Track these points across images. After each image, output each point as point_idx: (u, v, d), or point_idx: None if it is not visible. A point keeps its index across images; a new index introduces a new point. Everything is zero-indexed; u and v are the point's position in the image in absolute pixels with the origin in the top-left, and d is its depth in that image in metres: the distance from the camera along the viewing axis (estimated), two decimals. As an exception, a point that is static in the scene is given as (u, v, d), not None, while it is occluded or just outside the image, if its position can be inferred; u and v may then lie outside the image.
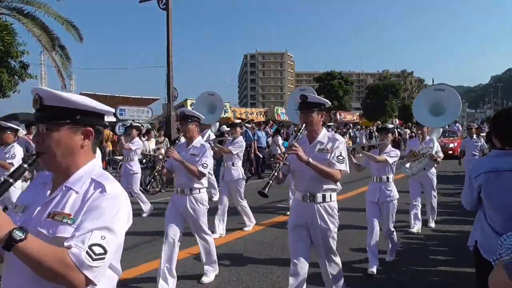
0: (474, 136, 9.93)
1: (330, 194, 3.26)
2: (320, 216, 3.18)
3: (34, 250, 1.21)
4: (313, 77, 66.58)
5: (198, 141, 4.32)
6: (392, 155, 4.87)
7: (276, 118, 21.74)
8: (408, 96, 66.16)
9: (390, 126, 5.71)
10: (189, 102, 18.41)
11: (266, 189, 2.85)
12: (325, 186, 3.20)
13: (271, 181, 2.89)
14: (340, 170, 3.13)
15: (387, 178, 4.89)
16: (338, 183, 3.37)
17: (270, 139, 14.90)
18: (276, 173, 2.93)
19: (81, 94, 16.13)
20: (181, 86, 32.00)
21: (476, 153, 9.47)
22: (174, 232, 4.09)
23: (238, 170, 6.47)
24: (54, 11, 15.48)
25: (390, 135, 5.16)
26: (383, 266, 4.75)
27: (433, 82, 65.76)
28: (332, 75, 50.38)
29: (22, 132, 9.69)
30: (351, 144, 20.09)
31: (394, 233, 4.93)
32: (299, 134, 3.32)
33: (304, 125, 3.24)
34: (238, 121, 9.62)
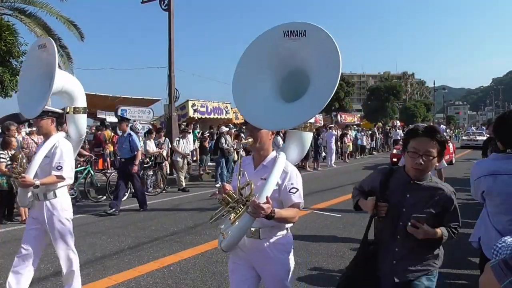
0: None
1: None
2: None
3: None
4: (314, 79, 66.46)
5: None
6: None
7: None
8: (410, 98, 66.18)
9: None
10: (190, 103, 18.45)
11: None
12: None
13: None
14: None
15: None
16: None
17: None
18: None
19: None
20: (182, 87, 32.01)
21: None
22: None
23: None
24: (56, 10, 15.55)
25: None
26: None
27: (434, 83, 65.58)
28: (333, 77, 50.28)
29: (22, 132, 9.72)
30: (351, 146, 19.98)
31: None
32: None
33: None
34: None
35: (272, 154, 2.57)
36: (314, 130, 3.46)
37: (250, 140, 2.49)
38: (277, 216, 2.24)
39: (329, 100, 2.18)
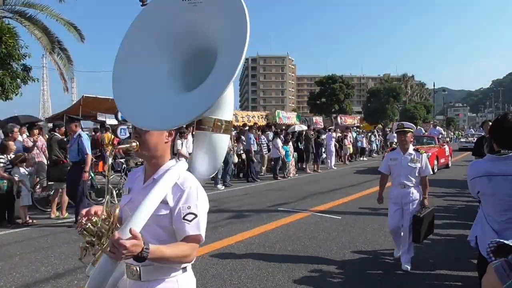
0: (410, 147, 4.86)
1: None
2: None
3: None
4: (314, 81, 66.65)
5: None
6: None
7: (278, 121, 21.74)
8: (409, 100, 66.21)
9: None
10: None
11: None
12: None
13: None
14: None
15: None
16: None
17: (270, 143, 14.91)
18: None
19: (83, 97, 16.24)
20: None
21: (410, 183, 4.74)
22: None
23: None
24: (56, 13, 15.56)
25: None
26: (384, 269, 4.76)
27: (434, 85, 65.76)
28: (333, 79, 50.46)
29: (18, 134, 9.72)
30: (351, 148, 20.00)
31: None
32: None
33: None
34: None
35: (169, 163, 1.83)
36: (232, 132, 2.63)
37: (133, 144, 1.78)
38: (153, 256, 1.54)
39: (230, 83, 1.57)
